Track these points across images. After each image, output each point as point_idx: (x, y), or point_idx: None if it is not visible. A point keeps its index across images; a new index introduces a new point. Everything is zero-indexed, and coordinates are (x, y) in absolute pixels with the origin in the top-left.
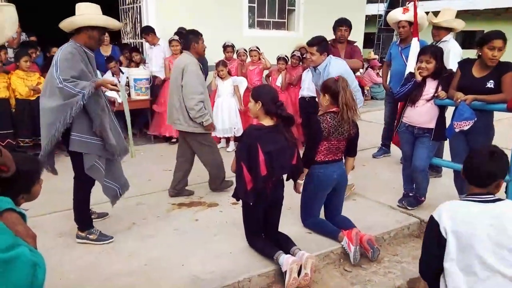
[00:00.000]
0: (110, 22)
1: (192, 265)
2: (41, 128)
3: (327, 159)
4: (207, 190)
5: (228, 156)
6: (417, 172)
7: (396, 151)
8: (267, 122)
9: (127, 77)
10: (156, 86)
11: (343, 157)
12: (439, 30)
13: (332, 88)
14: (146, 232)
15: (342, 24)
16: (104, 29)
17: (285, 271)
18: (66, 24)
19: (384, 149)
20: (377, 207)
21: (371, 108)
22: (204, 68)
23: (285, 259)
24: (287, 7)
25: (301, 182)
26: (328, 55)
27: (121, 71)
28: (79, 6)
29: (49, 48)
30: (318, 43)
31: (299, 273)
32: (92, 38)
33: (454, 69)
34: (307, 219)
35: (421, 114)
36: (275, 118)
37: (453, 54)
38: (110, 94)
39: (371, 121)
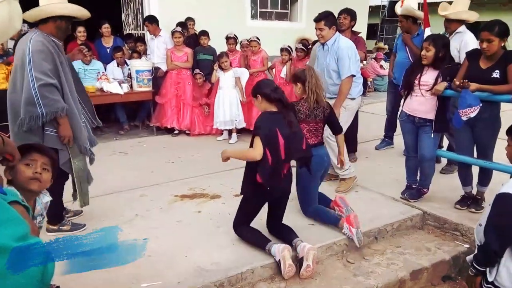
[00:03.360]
0: (80, 12)
1: (196, 257)
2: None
3: (312, 142)
4: (209, 181)
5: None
6: (425, 162)
7: (399, 143)
8: (275, 109)
9: (129, 69)
10: (158, 77)
11: (323, 142)
12: (450, 22)
13: (301, 77)
14: (150, 224)
15: (342, 12)
16: (70, 19)
17: (279, 260)
18: (35, 13)
19: (387, 141)
20: (380, 199)
21: (373, 100)
22: (214, 58)
23: (276, 249)
24: None
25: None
26: (336, 30)
27: (126, 63)
28: None
29: None
30: (325, 16)
31: (301, 265)
32: (59, 28)
33: None
34: (308, 207)
35: (420, 104)
36: (278, 105)
37: (472, 45)
38: (110, 88)
39: (373, 113)
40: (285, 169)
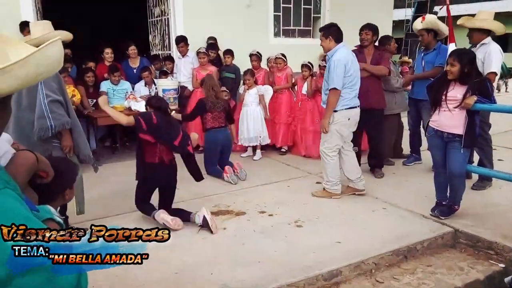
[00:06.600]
0: (67, 37)
1: (222, 274)
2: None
3: (213, 125)
4: (234, 198)
5: (254, 165)
6: (455, 178)
7: (427, 158)
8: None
9: (156, 88)
10: (185, 96)
11: (226, 125)
12: (473, 33)
13: (203, 82)
14: (175, 240)
15: (364, 28)
16: None
17: (163, 223)
18: (39, 42)
19: (415, 156)
20: (409, 216)
21: None
22: (236, 76)
23: (156, 215)
24: (312, 15)
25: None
26: (337, 42)
27: (154, 82)
28: (35, 25)
29: (84, 60)
30: (325, 28)
31: (207, 225)
32: None
33: (498, 72)
34: (209, 167)
35: (448, 119)
36: (158, 111)
37: (495, 57)
38: (138, 107)
39: None
40: (166, 160)
